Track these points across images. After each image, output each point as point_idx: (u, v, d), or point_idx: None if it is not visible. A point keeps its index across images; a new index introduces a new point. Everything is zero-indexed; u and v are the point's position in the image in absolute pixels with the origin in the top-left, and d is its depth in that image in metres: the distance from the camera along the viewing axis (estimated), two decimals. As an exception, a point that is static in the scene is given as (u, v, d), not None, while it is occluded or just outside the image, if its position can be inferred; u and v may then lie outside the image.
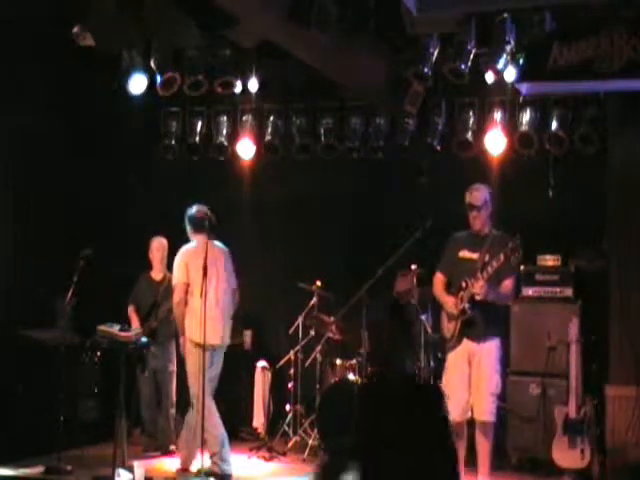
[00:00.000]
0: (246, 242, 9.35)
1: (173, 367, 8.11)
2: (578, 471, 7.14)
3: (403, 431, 2.73)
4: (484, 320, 6.54)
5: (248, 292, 9.42)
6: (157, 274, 8.28)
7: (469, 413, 6.64)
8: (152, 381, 8.11)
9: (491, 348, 6.60)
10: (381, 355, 8.04)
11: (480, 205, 6.66)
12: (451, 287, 6.77)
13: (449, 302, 6.69)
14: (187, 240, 7.38)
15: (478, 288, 6.42)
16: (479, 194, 6.70)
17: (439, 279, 6.88)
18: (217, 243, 7.35)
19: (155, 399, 8.15)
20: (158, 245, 8.26)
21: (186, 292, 7.11)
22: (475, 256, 6.64)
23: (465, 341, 6.61)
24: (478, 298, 6.45)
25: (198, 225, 7.24)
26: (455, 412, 6.61)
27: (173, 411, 8.11)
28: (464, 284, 6.55)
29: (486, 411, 6.57)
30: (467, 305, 6.52)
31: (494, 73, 6.86)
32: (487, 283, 6.41)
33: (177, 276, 7.19)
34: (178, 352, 8.14)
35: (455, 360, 6.68)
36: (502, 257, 6.36)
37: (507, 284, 6.59)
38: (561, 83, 6.97)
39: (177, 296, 7.14)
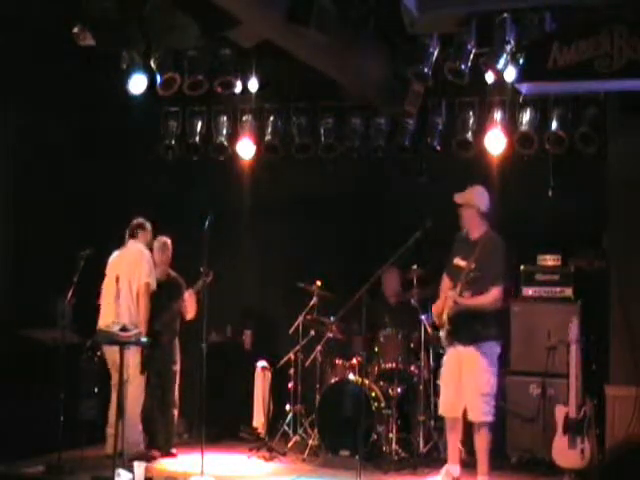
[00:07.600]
0: (246, 242, 9.37)
1: (176, 367, 8.09)
2: (578, 471, 7.13)
3: None
4: (469, 326, 6.63)
5: (248, 292, 9.47)
6: (160, 274, 8.16)
7: (460, 411, 6.71)
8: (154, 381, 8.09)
9: (481, 351, 6.65)
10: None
11: (463, 203, 6.77)
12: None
13: (434, 311, 6.91)
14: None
15: (451, 300, 6.61)
16: (465, 193, 6.82)
17: (444, 281, 7.01)
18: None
19: (157, 399, 8.12)
20: (161, 245, 8.18)
21: None
22: (463, 264, 6.70)
23: (455, 344, 6.74)
24: (452, 308, 6.62)
25: None
26: (444, 407, 6.86)
27: (175, 411, 8.10)
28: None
29: (479, 412, 6.61)
30: (445, 317, 6.66)
31: (494, 73, 6.86)
32: (463, 292, 6.56)
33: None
34: (181, 352, 8.14)
35: (449, 359, 6.85)
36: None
37: (490, 293, 6.63)
38: (561, 83, 6.97)
39: None
